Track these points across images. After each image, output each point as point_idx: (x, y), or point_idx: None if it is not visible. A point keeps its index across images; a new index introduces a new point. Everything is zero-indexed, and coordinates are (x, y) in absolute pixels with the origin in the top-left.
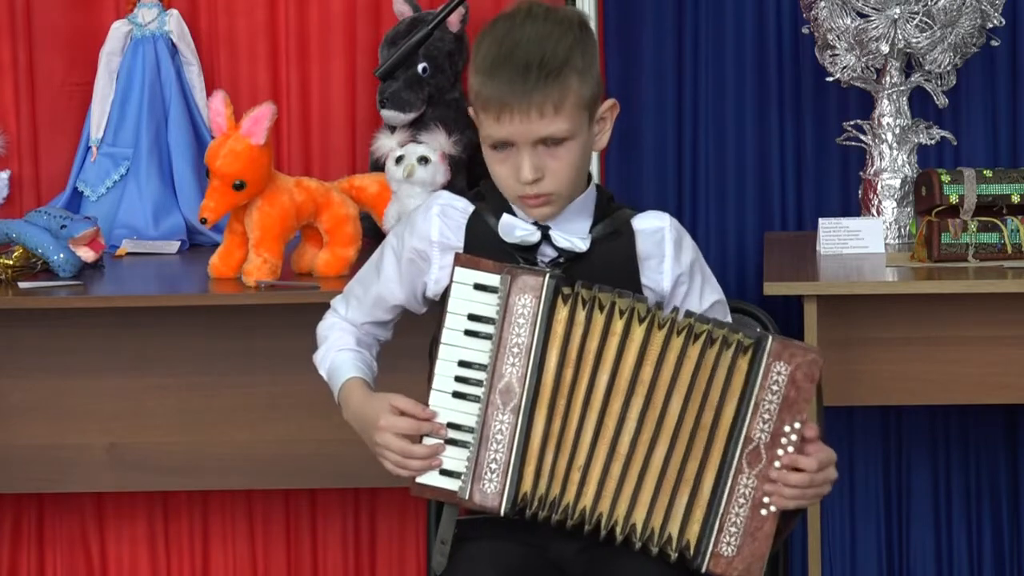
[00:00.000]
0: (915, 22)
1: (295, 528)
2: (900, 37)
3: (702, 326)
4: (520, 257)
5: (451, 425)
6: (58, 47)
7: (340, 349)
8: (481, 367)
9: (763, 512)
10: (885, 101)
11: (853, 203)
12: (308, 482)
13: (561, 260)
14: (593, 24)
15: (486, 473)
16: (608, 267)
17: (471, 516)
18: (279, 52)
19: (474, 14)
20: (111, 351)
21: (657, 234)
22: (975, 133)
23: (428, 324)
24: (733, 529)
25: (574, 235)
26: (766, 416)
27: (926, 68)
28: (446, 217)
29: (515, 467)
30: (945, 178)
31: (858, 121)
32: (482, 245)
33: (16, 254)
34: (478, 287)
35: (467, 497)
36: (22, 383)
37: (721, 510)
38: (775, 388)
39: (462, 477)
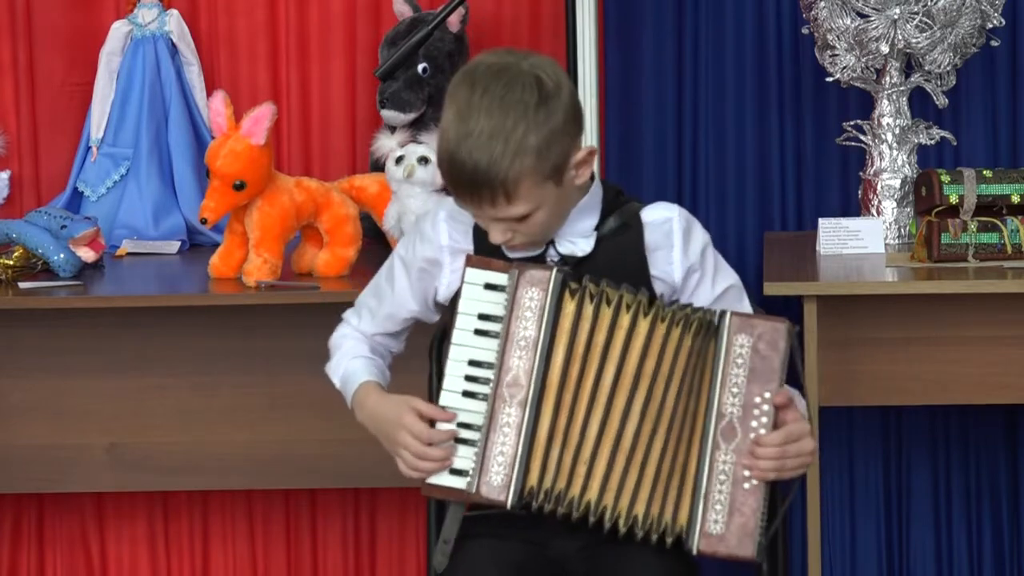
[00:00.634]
0: (915, 22)
1: (295, 528)
2: (900, 37)
3: (694, 315)
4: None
5: (462, 424)
6: (58, 47)
7: (354, 357)
8: (490, 366)
9: (746, 486)
10: (885, 101)
11: (853, 203)
12: (308, 482)
13: (567, 263)
14: (593, 24)
15: (493, 466)
16: (616, 262)
17: (475, 512)
18: (279, 52)
19: (474, 14)
20: (111, 351)
21: (666, 225)
22: (975, 133)
23: (428, 324)
24: (718, 507)
25: (578, 235)
26: (735, 390)
27: (926, 68)
28: (454, 222)
29: (522, 460)
30: (945, 178)
31: (858, 121)
32: (491, 250)
33: (16, 254)
34: (488, 287)
35: (474, 491)
36: (22, 383)
37: (704, 489)
38: (740, 361)
39: (470, 474)
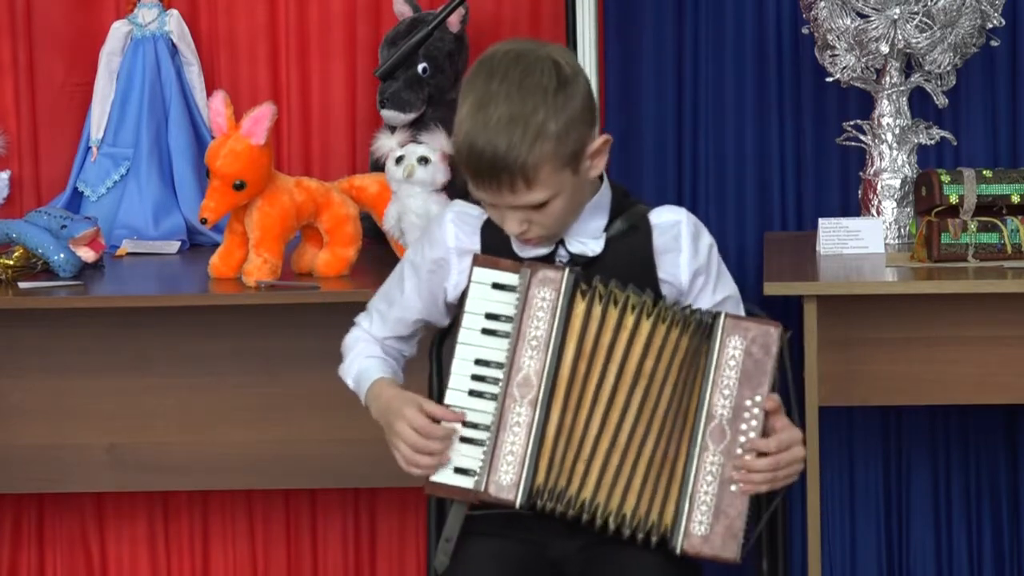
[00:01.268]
0: (915, 22)
1: (295, 528)
2: (900, 37)
3: (691, 316)
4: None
5: (467, 424)
6: (58, 47)
7: (367, 356)
8: (498, 365)
9: (732, 488)
10: (885, 101)
11: (853, 203)
12: (308, 482)
13: (576, 263)
14: (593, 24)
15: (502, 465)
16: (624, 264)
17: (479, 512)
18: (279, 52)
19: (474, 14)
20: (111, 351)
21: (674, 228)
22: (975, 133)
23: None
24: (704, 508)
25: (588, 236)
26: (726, 392)
27: (926, 68)
28: (461, 223)
29: (531, 459)
30: (945, 178)
31: (858, 121)
32: (497, 251)
33: (16, 254)
34: (496, 286)
35: (482, 489)
36: (22, 383)
37: (690, 489)
38: (732, 363)
39: (477, 473)
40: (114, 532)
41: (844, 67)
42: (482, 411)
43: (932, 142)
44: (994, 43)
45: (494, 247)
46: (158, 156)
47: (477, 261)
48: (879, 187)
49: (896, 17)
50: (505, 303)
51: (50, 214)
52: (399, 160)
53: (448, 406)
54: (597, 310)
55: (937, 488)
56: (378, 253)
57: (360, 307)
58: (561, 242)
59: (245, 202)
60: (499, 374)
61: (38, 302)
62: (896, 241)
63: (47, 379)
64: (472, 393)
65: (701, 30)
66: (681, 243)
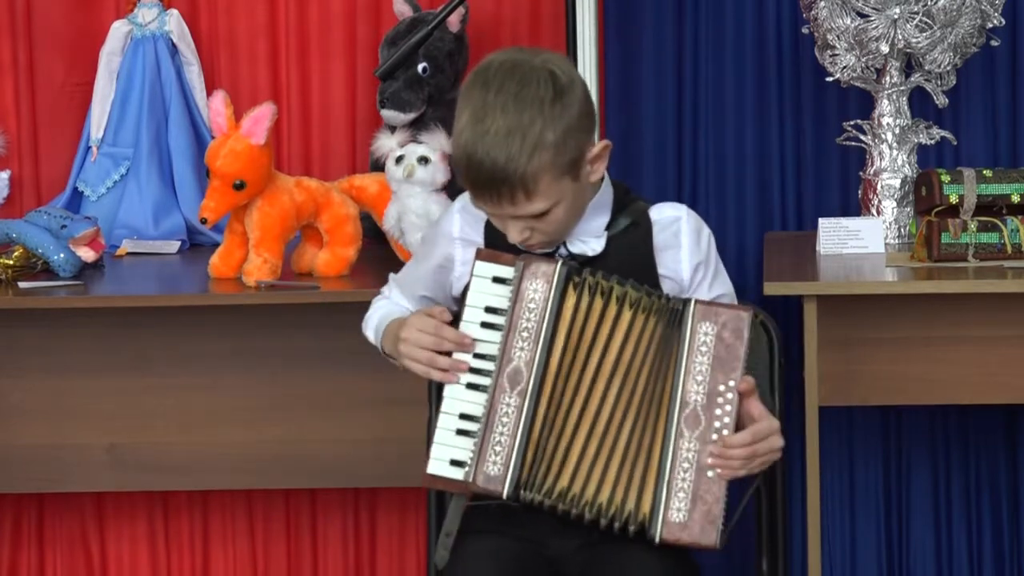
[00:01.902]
0: (915, 22)
1: (295, 528)
2: (900, 37)
3: (665, 303)
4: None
5: (464, 416)
6: (58, 47)
7: (385, 307)
8: (493, 359)
9: (709, 474)
10: (885, 101)
11: (853, 203)
12: (308, 482)
13: (577, 260)
14: (593, 24)
15: (490, 456)
16: (626, 262)
17: (476, 503)
18: (279, 52)
19: (474, 14)
20: (111, 351)
21: (675, 224)
22: (975, 133)
23: None
24: (681, 495)
25: (590, 235)
26: (699, 378)
27: (926, 68)
28: (467, 214)
29: (519, 450)
30: (945, 178)
31: (858, 121)
32: (501, 244)
33: (16, 254)
34: (496, 280)
35: (471, 480)
36: (22, 383)
37: (667, 477)
38: (704, 349)
39: (468, 464)
40: (114, 532)
41: (844, 67)
42: (477, 403)
43: (932, 142)
44: (994, 43)
45: (498, 240)
46: (158, 156)
47: (480, 255)
48: (879, 187)
49: (896, 17)
50: (503, 296)
51: (50, 214)
52: (399, 160)
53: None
54: (585, 302)
55: (937, 488)
56: (378, 253)
57: (360, 307)
58: (563, 242)
59: (245, 202)
60: (493, 367)
61: (38, 302)
62: (896, 241)
63: (47, 379)
64: (469, 386)
65: (701, 30)
66: (681, 239)
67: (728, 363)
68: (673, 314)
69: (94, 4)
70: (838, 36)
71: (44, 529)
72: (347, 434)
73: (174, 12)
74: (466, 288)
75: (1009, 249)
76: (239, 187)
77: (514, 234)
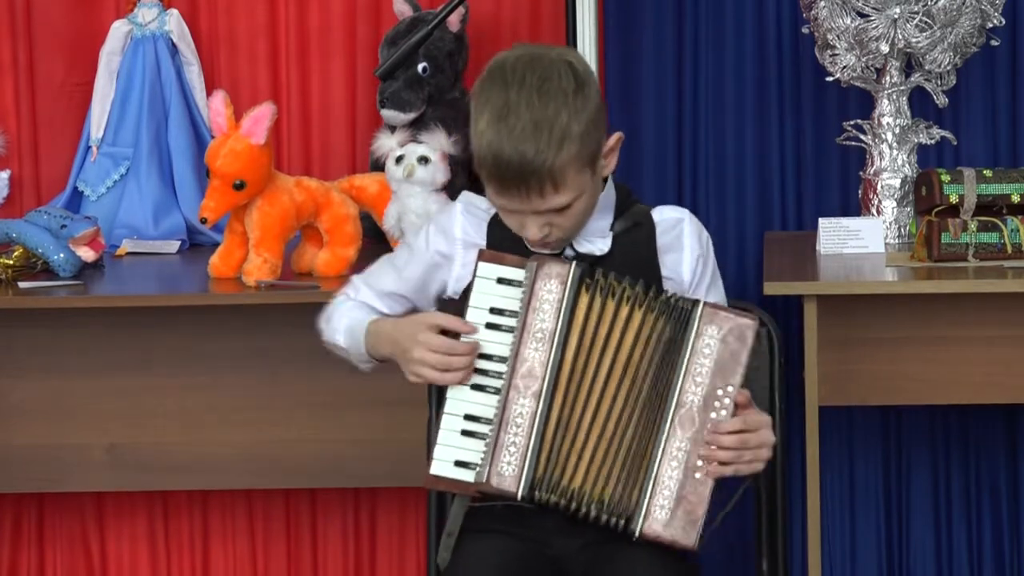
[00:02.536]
0: (915, 22)
1: (295, 527)
2: (900, 37)
3: (674, 303)
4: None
5: (469, 417)
6: (58, 47)
7: (355, 310)
8: (501, 359)
9: (697, 475)
10: (885, 101)
11: (853, 203)
12: (308, 482)
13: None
14: (593, 24)
15: (504, 456)
16: (630, 261)
17: (482, 503)
18: (279, 52)
19: (474, 14)
20: (111, 351)
21: (678, 227)
22: (975, 133)
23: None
24: (666, 492)
25: (595, 234)
26: (698, 379)
27: (926, 68)
28: (469, 215)
29: (533, 451)
30: (945, 178)
31: (858, 121)
32: (503, 246)
33: (16, 254)
34: (501, 281)
35: (484, 480)
36: (22, 383)
37: (655, 474)
38: (707, 351)
39: (478, 466)
40: (114, 532)
41: (844, 67)
42: (485, 404)
43: (932, 142)
44: (994, 43)
45: (500, 242)
46: (158, 156)
47: (483, 256)
48: (879, 187)
49: (896, 17)
50: (509, 298)
51: (50, 214)
52: (399, 160)
53: (466, 324)
54: (598, 303)
55: (937, 488)
56: (378, 253)
57: None
58: (570, 243)
59: (245, 202)
60: (502, 368)
61: (38, 302)
62: (896, 241)
63: (47, 379)
64: (474, 387)
65: (701, 30)
66: (684, 241)
67: (729, 369)
68: (681, 313)
69: (94, 4)
70: (838, 36)
71: (44, 529)
72: (347, 434)
73: (174, 12)
74: (466, 289)
75: (1009, 249)
76: (239, 187)
77: (533, 230)
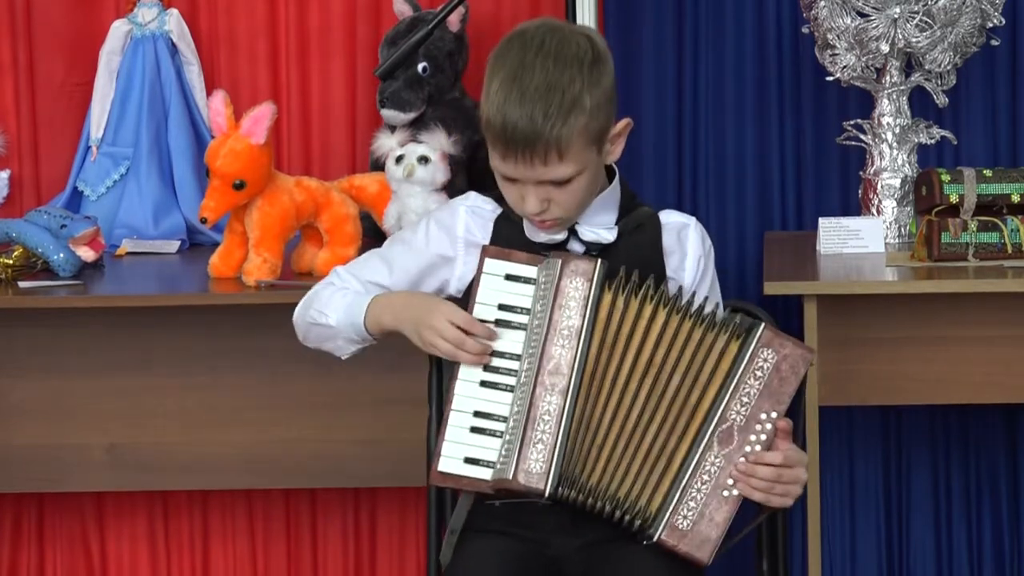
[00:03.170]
0: (915, 22)
1: (295, 527)
2: (900, 37)
3: (709, 310)
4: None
5: (478, 413)
6: (58, 47)
7: (346, 292)
8: (514, 357)
9: (724, 494)
10: (885, 101)
11: (853, 203)
12: (308, 482)
13: (590, 250)
14: (593, 24)
15: (531, 453)
16: (635, 258)
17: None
18: (279, 52)
19: (474, 13)
20: (111, 351)
21: (684, 230)
22: (975, 133)
23: None
24: (692, 504)
25: (601, 225)
26: (745, 399)
27: (926, 68)
28: (474, 215)
29: (561, 448)
30: (945, 178)
31: (858, 121)
32: (509, 245)
33: (16, 254)
34: (510, 278)
35: (510, 477)
36: (22, 383)
37: (684, 483)
38: (759, 374)
39: (498, 463)
40: (114, 531)
41: (844, 66)
42: (496, 402)
43: (932, 141)
44: (994, 42)
45: (506, 242)
46: (158, 156)
47: (488, 252)
48: (879, 186)
49: (896, 16)
50: (521, 294)
51: (50, 214)
52: (399, 160)
53: (456, 395)
54: (621, 300)
55: (937, 488)
56: None
57: None
58: (574, 232)
59: (245, 202)
60: (514, 365)
61: (38, 302)
62: (896, 241)
63: (47, 379)
64: (484, 384)
65: (701, 30)
66: (688, 246)
67: (777, 395)
68: (728, 327)
69: (94, 4)
70: (838, 36)
71: (44, 529)
72: (347, 434)
73: (174, 12)
74: (470, 286)
75: (1009, 249)
76: (239, 187)
77: (532, 203)
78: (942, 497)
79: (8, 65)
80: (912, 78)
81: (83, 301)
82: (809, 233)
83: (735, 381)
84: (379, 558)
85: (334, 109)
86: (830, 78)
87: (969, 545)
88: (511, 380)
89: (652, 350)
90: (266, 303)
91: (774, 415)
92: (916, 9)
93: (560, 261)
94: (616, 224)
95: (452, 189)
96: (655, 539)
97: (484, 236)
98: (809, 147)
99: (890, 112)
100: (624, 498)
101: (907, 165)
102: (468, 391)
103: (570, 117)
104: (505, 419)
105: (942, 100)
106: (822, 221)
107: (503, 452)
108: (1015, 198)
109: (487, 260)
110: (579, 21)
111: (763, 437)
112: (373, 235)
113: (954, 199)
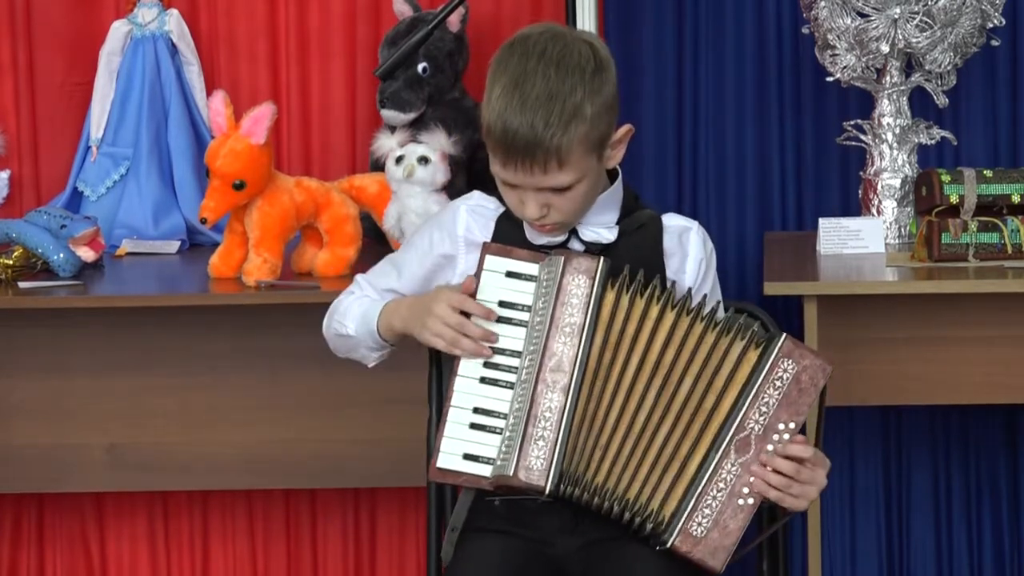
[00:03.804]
0: (915, 22)
1: (295, 527)
2: (900, 37)
3: (727, 315)
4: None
5: (478, 410)
6: (58, 47)
7: (364, 300)
8: (514, 354)
9: (740, 502)
10: (885, 101)
11: (853, 203)
12: (308, 482)
13: (590, 250)
14: (593, 24)
15: (532, 450)
16: (635, 258)
17: (492, 497)
18: (279, 52)
19: (474, 14)
20: (111, 351)
21: (686, 233)
22: (975, 133)
23: None
24: (707, 511)
25: (602, 225)
26: (763, 408)
27: (926, 68)
28: (475, 215)
29: (562, 446)
30: (945, 178)
31: (858, 121)
32: (510, 243)
33: (16, 254)
34: (511, 275)
35: (511, 474)
36: (22, 383)
37: (699, 490)
38: (778, 384)
39: (497, 459)
40: (114, 532)
41: (844, 67)
42: (495, 398)
43: (932, 142)
44: (994, 43)
45: (509, 240)
46: (158, 156)
47: (490, 249)
48: (879, 187)
49: (896, 17)
50: (522, 292)
51: (50, 214)
52: (399, 160)
53: (455, 391)
54: (625, 300)
55: (937, 488)
56: (378, 253)
57: None
58: (574, 231)
59: (245, 202)
60: (514, 362)
61: (38, 302)
62: (896, 241)
63: (47, 379)
64: (484, 380)
65: (701, 30)
66: (689, 249)
67: (796, 406)
68: (734, 328)
69: (94, 4)
70: (838, 36)
71: (44, 529)
72: (347, 434)
73: (174, 12)
74: None
75: (1009, 249)
76: (239, 187)
77: (532, 209)
78: (942, 497)
79: (8, 65)
80: (912, 78)
81: (83, 301)
82: (809, 233)
83: (754, 390)
84: (379, 558)
85: (334, 109)
86: (830, 78)
87: (969, 545)
88: (511, 377)
89: (660, 351)
90: (266, 303)
91: (792, 425)
92: (916, 9)
93: (563, 259)
94: (617, 224)
95: (452, 189)
96: (669, 545)
97: (485, 235)
98: (809, 147)
99: (890, 112)
100: (634, 500)
101: (907, 165)
102: (468, 387)
103: (571, 126)
104: (505, 416)
105: (942, 100)
106: (822, 221)
107: (503, 449)
108: (1015, 198)
109: (488, 257)
110: (579, 21)
111: (779, 447)
112: (373, 235)
113: (954, 199)
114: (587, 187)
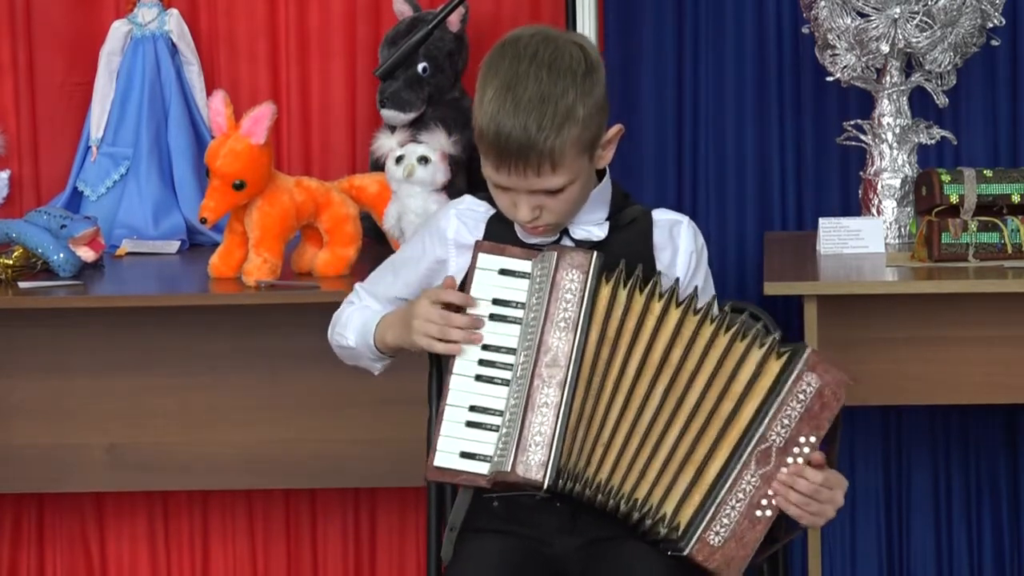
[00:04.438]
0: (915, 22)
1: (295, 527)
2: (900, 37)
3: (736, 318)
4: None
5: (474, 408)
6: (58, 47)
7: (363, 311)
8: (509, 351)
9: (757, 513)
10: (885, 101)
11: (853, 203)
12: (308, 482)
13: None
14: (593, 24)
15: (530, 446)
16: (625, 253)
17: (491, 495)
18: (279, 52)
19: (474, 14)
20: (111, 351)
21: (676, 227)
22: (975, 133)
23: None
24: (725, 521)
25: (592, 223)
26: (785, 421)
27: (926, 68)
28: (464, 219)
29: (559, 440)
30: (945, 178)
31: (858, 121)
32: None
33: (16, 254)
34: (504, 272)
35: (508, 469)
36: (22, 383)
37: (719, 499)
38: (801, 397)
39: (495, 456)
40: (114, 532)
41: (844, 67)
42: (491, 396)
43: (932, 142)
44: (994, 43)
45: (498, 241)
46: (158, 156)
47: (482, 247)
48: (879, 187)
49: (896, 16)
50: (516, 288)
51: (50, 214)
52: (399, 160)
53: (455, 379)
54: (622, 295)
55: (937, 488)
56: (378, 253)
57: None
58: (565, 230)
59: (245, 202)
60: (509, 359)
61: (38, 302)
62: (896, 241)
63: (47, 379)
64: (480, 378)
65: (701, 30)
66: (679, 242)
67: (816, 420)
68: (744, 331)
69: (94, 4)
70: (838, 36)
71: (44, 529)
72: (347, 434)
73: (174, 12)
74: (463, 281)
75: (1009, 249)
76: (239, 187)
77: (524, 211)
78: (942, 497)
79: (8, 65)
80: (912, 78)
81: (83, 301)
82: (809, 233)
83: (778, 401)
84: (379, 558)
85: (334, 109)
86: (830, 78)
87: (969, 545)
88: (507, 374)
89: (666, 349)
90: (266, 303)
91: (812, 440)
92: (916, 9)
93: (556, 254)
94: (607, 221)
95: (452, 189)
96: (685, 553)
97: (475, 237)
98: (809, 147)
99: (890, 112)
100: (643, 500)
101: (907, 165)
102: (463, 385)
103: (563, 128)
104: (501, 413)
105: (942, 100)
106: (822, 221)
107: (500, 445)
108: (1015, 198)
109: (481, 255)
110: (579, 21)
111: (800, 461)
112: (373, 235)
113: (954, 199)
114: (579, 188)
